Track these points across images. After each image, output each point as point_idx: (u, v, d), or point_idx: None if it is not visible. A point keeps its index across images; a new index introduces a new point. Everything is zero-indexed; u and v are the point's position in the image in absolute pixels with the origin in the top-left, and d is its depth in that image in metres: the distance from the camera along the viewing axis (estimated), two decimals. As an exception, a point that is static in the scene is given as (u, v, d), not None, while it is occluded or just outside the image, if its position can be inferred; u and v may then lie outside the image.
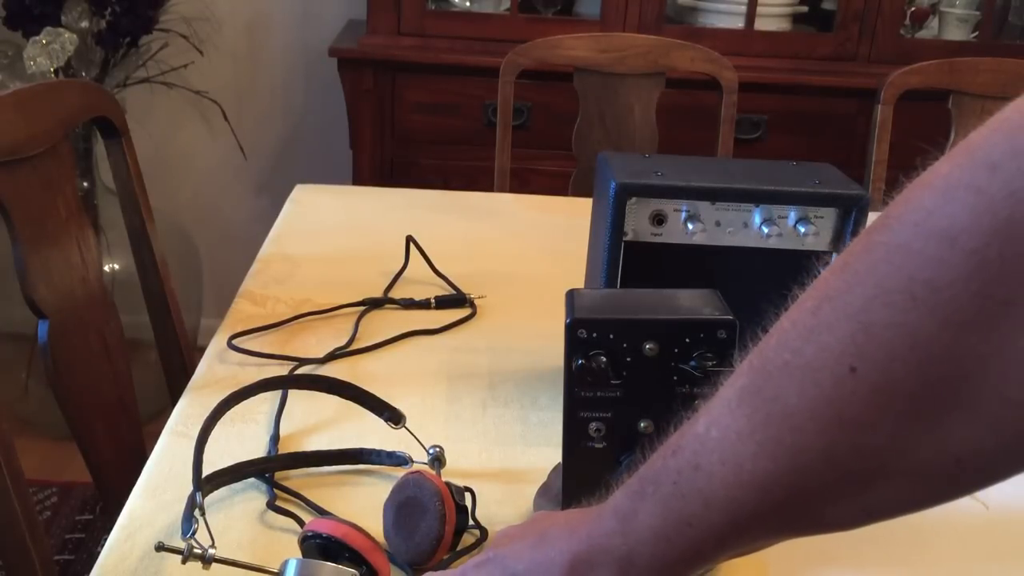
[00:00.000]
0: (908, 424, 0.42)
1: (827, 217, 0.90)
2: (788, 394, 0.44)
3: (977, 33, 2.35)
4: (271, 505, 0.81)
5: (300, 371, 1.05)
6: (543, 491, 0.81)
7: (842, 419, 0.43)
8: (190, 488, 0.72)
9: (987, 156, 0.39)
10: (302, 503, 0.82)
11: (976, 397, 0.40)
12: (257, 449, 0.90)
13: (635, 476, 0.51)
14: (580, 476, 0.71)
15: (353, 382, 0.89)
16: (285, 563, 0.66)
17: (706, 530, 0.48)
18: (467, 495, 0.78)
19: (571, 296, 0.71)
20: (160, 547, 0.66)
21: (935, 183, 0.41)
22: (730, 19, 2.29)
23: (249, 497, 0.83)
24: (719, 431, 0.47)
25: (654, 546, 0.49)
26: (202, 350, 1.10)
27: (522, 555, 0.54)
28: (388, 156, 2.26)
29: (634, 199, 0.89)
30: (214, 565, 0.67)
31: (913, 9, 2.37)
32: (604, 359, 0.68)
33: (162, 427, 0.93)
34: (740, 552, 0.51)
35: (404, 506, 0.75)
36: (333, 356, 1.08)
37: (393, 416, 0.88)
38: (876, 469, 0.43)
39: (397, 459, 0.87)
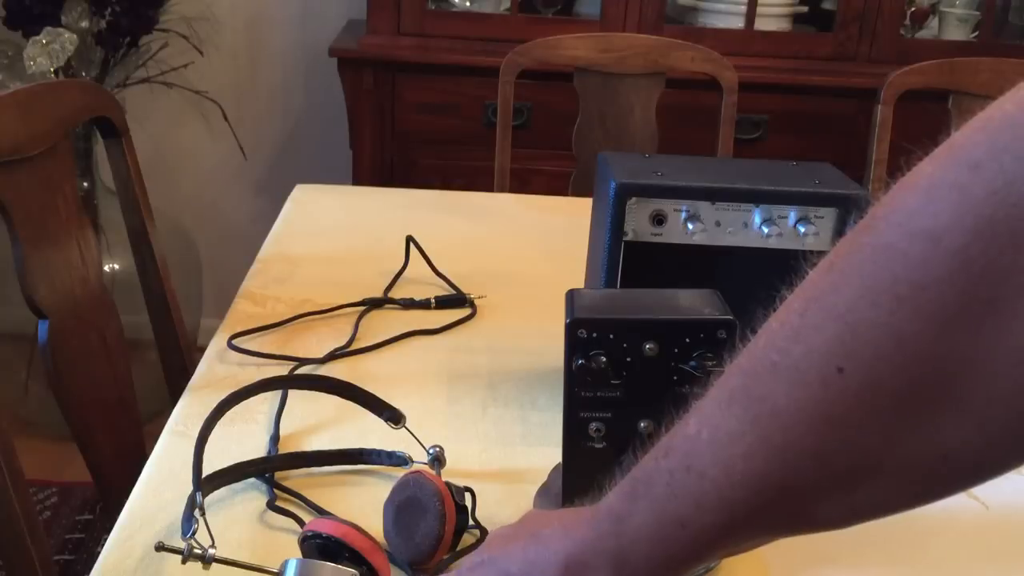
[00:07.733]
0: (895, 423, 0.42)
1: (827, 217, 0.90)
2: (777, 395, 0.44)
3: (977, 33, 2.35)
4: (271, 505, 0.81)
5: (300, 371, 1.05)
6: (543, 491, 0.81)
7: (830, 419, 0.43)
8: (190, 488, 0.73)
9: (969, 155, 0.39)
10: (302, 503, 0.82)
11: (962, 395, 0.40)
12: (257, 449, 0.90)
13: (628, 477, 0.51)
14: (580, 476, 0.71)
15: (353, 382, 0.89)
16: (285, 563, 0.66)
17: (699, 531, 0.48)
18: (467, 495, 0.78)
19: (571, 296, 0.71)
20: (160, 547, 0.66)
21: (919, 183, 0.41)
22: (730, 19, 2.29)
23: (249, 497, 0.83)
24: (710, 432, 0.47)
25: (648, 547, 0.49)
26: (202, 350, 1.10)
27: (515, 556, 0.54)
28: (388, 156, 2.25)
29: (634, 199, 0.89)
30: (214, 565, 0.67)
31: (913, 9, 2.37)
32: (604, 359, 0.68)
33: (162, 427, 0.93)
34: (734, 551, 0.51)
35: (404, 506, 0.75)
36: (333, 356, 1.08)
37: (393, 416, 0.88)
38: (865, 468, 0.43)
39: (397, 459, 0.87)
